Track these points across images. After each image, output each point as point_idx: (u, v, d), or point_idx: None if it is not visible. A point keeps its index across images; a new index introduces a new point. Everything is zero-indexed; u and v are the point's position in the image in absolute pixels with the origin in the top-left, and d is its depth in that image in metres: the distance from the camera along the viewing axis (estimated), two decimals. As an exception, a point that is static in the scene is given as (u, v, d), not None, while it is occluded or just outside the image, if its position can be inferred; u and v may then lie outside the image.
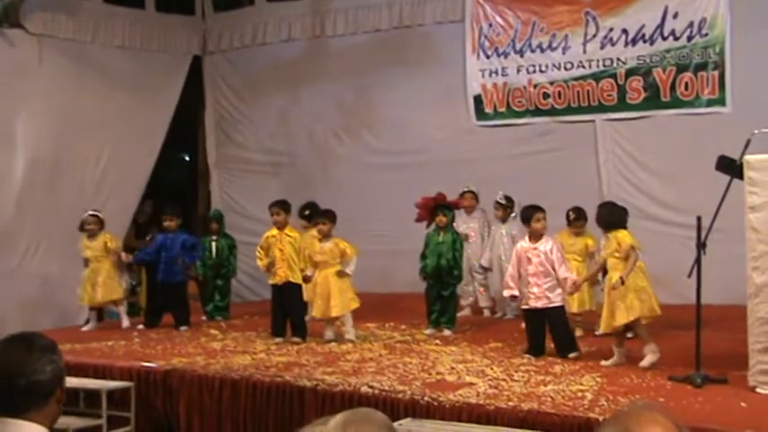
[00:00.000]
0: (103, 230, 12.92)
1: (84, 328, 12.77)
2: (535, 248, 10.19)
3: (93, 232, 12.78)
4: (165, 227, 13.13)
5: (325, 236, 11.37)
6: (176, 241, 12.92)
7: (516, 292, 10.35)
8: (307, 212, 12.70)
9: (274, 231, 11.58)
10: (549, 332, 10.19)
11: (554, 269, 10.09)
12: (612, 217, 9.73)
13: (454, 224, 12.20)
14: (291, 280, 11.42)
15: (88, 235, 12.81)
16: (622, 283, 9.22)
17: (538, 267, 10.12)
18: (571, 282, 10.06)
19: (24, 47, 14.41)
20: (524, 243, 10.39)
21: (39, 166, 14.53)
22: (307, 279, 11.41)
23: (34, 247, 14.52)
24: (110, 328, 12.61)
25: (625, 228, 9.64)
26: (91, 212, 12.92)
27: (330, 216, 11.47)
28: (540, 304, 10.11)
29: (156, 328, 12.60)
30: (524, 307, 10.41)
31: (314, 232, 11.76)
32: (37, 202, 14.44)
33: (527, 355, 10.01)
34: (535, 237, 10.28)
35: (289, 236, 11.51)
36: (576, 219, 11.52)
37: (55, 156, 14.75)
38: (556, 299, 10.12)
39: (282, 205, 11.79)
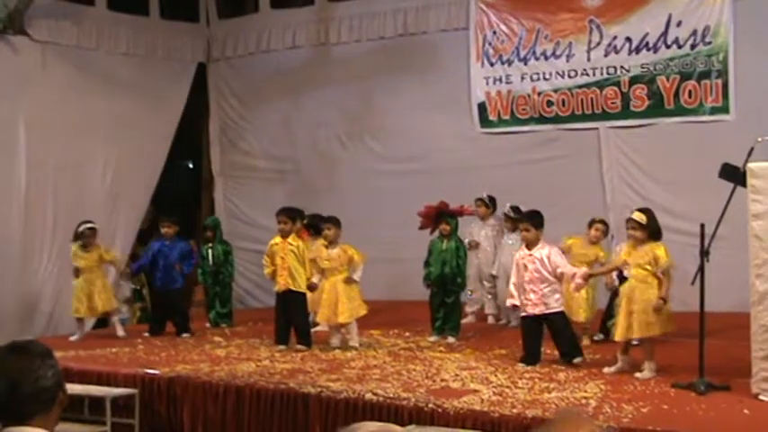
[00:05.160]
0: (97, 242, 12.81)
1: (72, 339, 12.48)
2: (530, 255, 10.12)
3: (90, 243, 12.66)
4: (162, 234, 13.14)
5: (331, 242, 11.36)
6: (173, 249, 12.96)
7: (517, 302, 10.26)
8: (305, 222, 12.51)
9: (278, 239, 11.50)
10: (551, 338, 10.16)
11: (554, 275, 10.00)
12: (656, 226, 9.51)
13: (458, 231, 12.19)
14: (292, 288, 11.33)
15: (82, 245, 12.65)
16: (665, 302, 9.19)
17: (533, 274, 10.03)
18: (579, 275, 9.96)
19: (28, 54, 14.44)
20: (522, 251, 10.34)
21: (43, 174, 14.55)
22: (312, 287, 11.40)
23: (39, 254, 14.53)
24: (113, 336, 12.57)
25: (660, 239, 9.53)
26: (89, 225, 12.73)
27: (334, 221, 11.44)
28: (537, 311, 10.03)
29: (160, 335, 12.60)
30: (522, 314, 10.32)
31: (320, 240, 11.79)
32: (41, 210, 14.47)
33: (521, 364, 9.98)
34: (531, 244, 10.25)
35: (291, 244, 11.40)
36: (602, 223, 11.55)
37: (59, 163, 14.77)
38: (555, 304, 10.04)
39: (289, 213, 11.65)
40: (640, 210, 9.74)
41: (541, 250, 10.11)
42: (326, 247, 11.36)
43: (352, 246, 11.37)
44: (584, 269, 10.23)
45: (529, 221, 10.29)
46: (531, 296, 10.05)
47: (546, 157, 14.69)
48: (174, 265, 12.85)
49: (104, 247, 12.99)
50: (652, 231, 9.46)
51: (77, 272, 12.68)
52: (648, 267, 9.33)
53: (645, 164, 14.19)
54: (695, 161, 12.80)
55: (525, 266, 10.11)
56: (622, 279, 10.16)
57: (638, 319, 9.30)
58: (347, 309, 11.16)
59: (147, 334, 12.67)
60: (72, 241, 12.75)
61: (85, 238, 12.65)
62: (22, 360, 3.44)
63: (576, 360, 9.82)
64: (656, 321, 9.25)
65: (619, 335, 9.59)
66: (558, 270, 10.01)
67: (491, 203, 13.40)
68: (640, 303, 9.30)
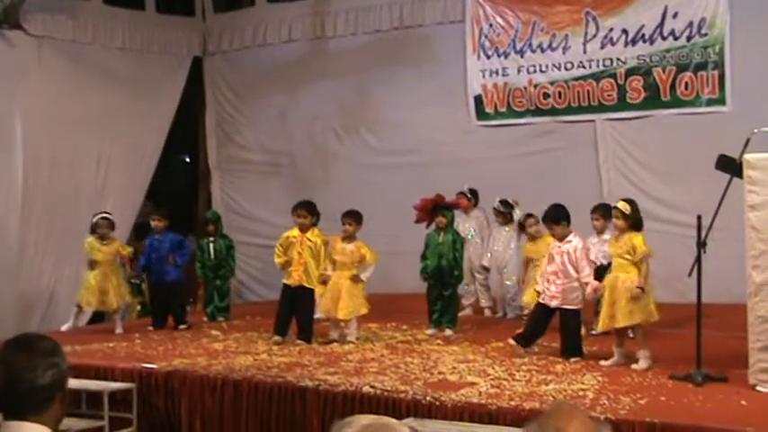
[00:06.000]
0: (114, 234, 12.77)
1: (63, 328, 12.49)
2: (559, 247, 10.08)
3: (106, 235, 12.53)
4: (152, 227, 13.14)
5: (348, 237, 11.36)
6: (164, 241, 12.93)
7: (540, 289, 10.18)
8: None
9: (295, 232, 11.34)
10: (559, 331, 10.11)
11: (577, 271, 9.95)
12: (638, 217, 9.58)
13: (454, 224, 12.21)
14: (305, 284, 11.26)
15: (99, 237, 12.51)
16: (642, 291, 9.23)
17: (558, 266, 9.97)
18: (591, 289, 9.89)
19: (24, 48, 14.41)
20: (554, 242, 10.26)
21: (38, 168, 14.53)
22: (326, 280, 11.33)
23: (35, 248, 14.52)
24: (110, 331, 12.54)
25: (641, 230, 9.59)
26: (103, 215, 12.65)
27: (356, 217, 11.42)
28: (554, 303, 9.98)
29: (164, 329, 12.58)
30: (540, 301, 10.20)
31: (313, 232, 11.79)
32: (37, 204, 14.45)
33: (512, 340, 10.06)
34: (560, 238, 10.13)
35: (309, 240, 11.29)
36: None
37: (55, 158, 14.75)
38: (572, 302, 9.94)
39: (308, 207, 11.47)
40: (625, 199, 9.86)
41: (568, 244, 10.04)
42: (343, 240, 11.36)
43: (367, 245, 11.37)
44: (596, 283, 10.06)
45: (550, 222, 10.23)
46: (552, 288, 9.99)
47: (542, 150, 14.70)
48: (166, 257, 12.83)
49: (119, 241, 12.94)
50: (634, 221, 9.56)
51: (93, 264, 12.47)
52: (627, 257, 9.40)
53: (641, 156, 14.20)
54: (692, 153, 12.80)
55: (553, 258, 10.10)
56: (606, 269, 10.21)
57: (620, 309, 9.34)
58: (347, 306, 11.15)
59: (151, 328, 12.62)
60: (91, 233, 12.57)
61: (101, 228, 12.50)
62: (22, 357, 3.42)
63: (574, 359, 9.76)
64: (637, 309, 9.29)
65: (602, 325, 9.71)
66: (579, 268, 9.93)
67: (473, 196, 13.41)
68: (622, 292, 9.35)
